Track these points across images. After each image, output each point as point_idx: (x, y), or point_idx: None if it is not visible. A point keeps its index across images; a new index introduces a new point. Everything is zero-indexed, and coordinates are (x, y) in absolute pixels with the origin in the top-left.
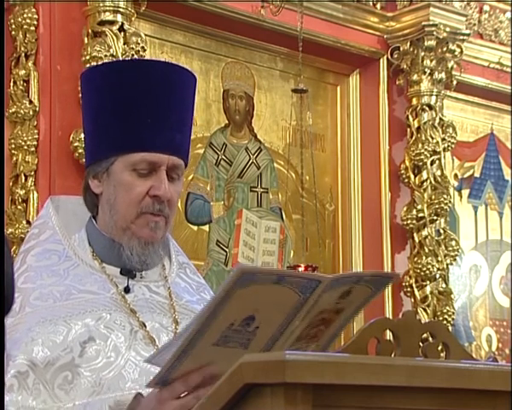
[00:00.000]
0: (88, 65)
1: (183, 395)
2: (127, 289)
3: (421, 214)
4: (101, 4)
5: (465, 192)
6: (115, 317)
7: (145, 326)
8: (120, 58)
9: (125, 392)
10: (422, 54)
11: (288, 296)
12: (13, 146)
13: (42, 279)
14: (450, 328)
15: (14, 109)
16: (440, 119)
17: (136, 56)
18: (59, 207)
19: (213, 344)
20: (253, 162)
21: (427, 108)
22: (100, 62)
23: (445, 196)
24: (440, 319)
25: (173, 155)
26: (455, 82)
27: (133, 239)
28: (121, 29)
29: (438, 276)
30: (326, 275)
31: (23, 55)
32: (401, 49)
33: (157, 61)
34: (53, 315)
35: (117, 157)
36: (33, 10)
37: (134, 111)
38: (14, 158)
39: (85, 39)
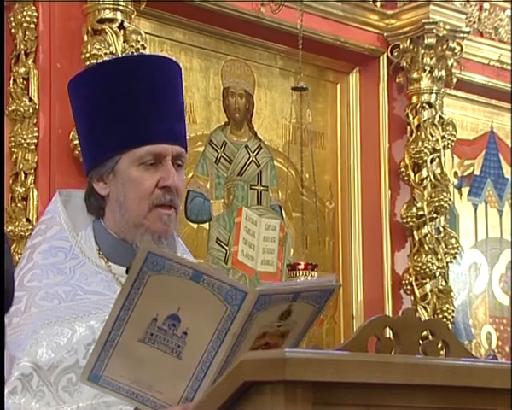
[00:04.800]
0: (88, 63)
1: None
2: None
3: (420, 212)
4: (100, 2)
5: (465, 190)
6: None
7: None
8: (120, 56)
9: None
10: (422, 52)
11: (212, 304)
12: (13, 144)
13: (48, 278)
14: (449, 326)
15: (13, 107)
16: (440, 117)
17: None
18: (68, 201)
19: (140, 340)
20: (252, 160)
21: (426, 106)
22: (88, 67)
23: (444, 194)
24: (440, 316)
25: (175, 144)
26: (455, 80)
27: (146, 235)
28: (121, 27)
29: (438, 274)
30: (252, 288)
31: (23, 52)
32: (401, 46)
33: (143, 55)
34: (58, 317)
35: (121, 155)
36: (33, 8)
37: (131, 107)
38: (14, 156)
39: (85, 37)
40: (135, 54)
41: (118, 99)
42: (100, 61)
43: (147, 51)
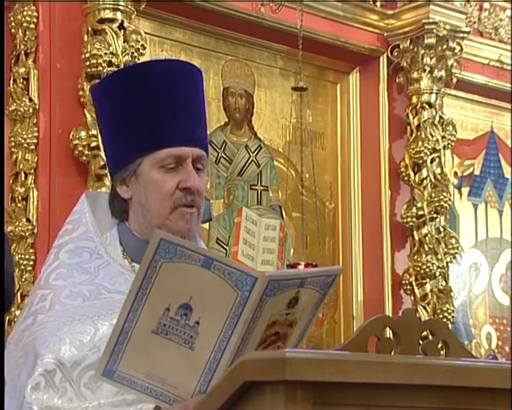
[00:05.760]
0: (88, 63)
1: None
2: None
3: (421, 212)
4: (100, 2)
5: (465, 190)
6: None
7: None
8: (120, 56)
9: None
10: (422, 52)
11: (223, 291)
12: (13, 144)
13: (73, 277)
14: (449, 326)
15: (13, 107)
16: (440, 117)
17: (135, 54)
18: (95, 203)
19: (153, 332)
20: (252, 160)
21: (427, 106)
22: (109, 73)
23: (444, 194)
24: (440, 316)
25: (196, 147)
26: (455, 80)
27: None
28: (121, 27)
29: (438, 274)
30: (262, 272)
31: (23, 53)
32: (401, 46)
33: (163, 60)
34: (81, 315)
35: (143, 158)
36: (33, 8)
37: (151, 111)
38: (14, 156)
39: (85, 37)
40: (155, 59)
41: (139, 103)
42: (122, 66)
43: (147, 51)
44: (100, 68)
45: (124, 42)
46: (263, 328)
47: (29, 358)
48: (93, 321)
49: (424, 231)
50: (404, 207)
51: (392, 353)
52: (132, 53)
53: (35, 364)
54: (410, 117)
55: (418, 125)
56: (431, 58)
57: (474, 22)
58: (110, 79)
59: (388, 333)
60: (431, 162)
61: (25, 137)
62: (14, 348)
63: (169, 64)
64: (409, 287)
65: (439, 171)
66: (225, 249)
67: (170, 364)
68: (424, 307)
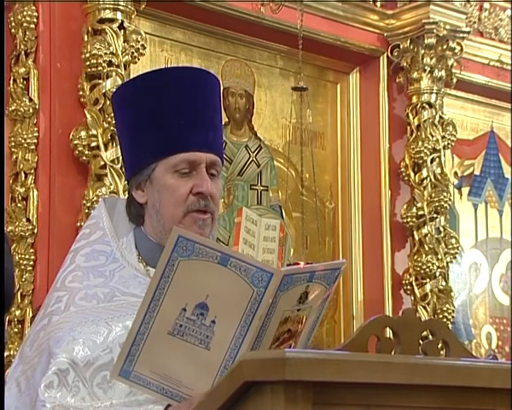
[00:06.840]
0: (88, 63)
1: None
2: None
3: (421, 212)
4: (100, 2)
5: (465, 190)
6: None
7: None
8: (120, 56)
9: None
10: (422, 52)
11: (239, 288)
12: (13, 144)
13: (88, 280)
14: (450, 326)
15: (13, 107)
16: (440, 117)
17: (135, 54)
18: (113, 208)
19: (169, 333)
20: (253, 160)
21: (427, 106)
22: (129, 79)
23: (444, 194)
24: (440, 316)
25: (210, 153)
26: (455, 80)
27: None
28: (121, 27)
29: (438, 274)
30: (277, 267)
31: (23, 52)
32: (401, 46)
33: (183, 66)
34: (95, 316)
35: (157, 162)
36: (33, 8)
37: (168, 116)
38: (14, 156)
39: (85, 37)
40: (171, 66)
41: (154, 109)
42: (140, 72)
43: (147, 51)
44: (100, 68)
45: (124, 42)
46: (276, 324)
47: (43, 357)
48: (106, 322)
49: (424, 231)
50: (404, 207)
51: (392, 353)
52: (132, 53)
53: (49, 363)
54: (410, 117)
55: (418, 125)
56: (431, 58)
57: (474, 22)
58: (128, 85)
59: (388, 333)
60: (431, 162)
61: (25, 137)
62: (29, 348)
63: (185, 71)
64: (409, 287)
65: (439, 171)
66: None
67: (185, 365)
68: (424, 307)
